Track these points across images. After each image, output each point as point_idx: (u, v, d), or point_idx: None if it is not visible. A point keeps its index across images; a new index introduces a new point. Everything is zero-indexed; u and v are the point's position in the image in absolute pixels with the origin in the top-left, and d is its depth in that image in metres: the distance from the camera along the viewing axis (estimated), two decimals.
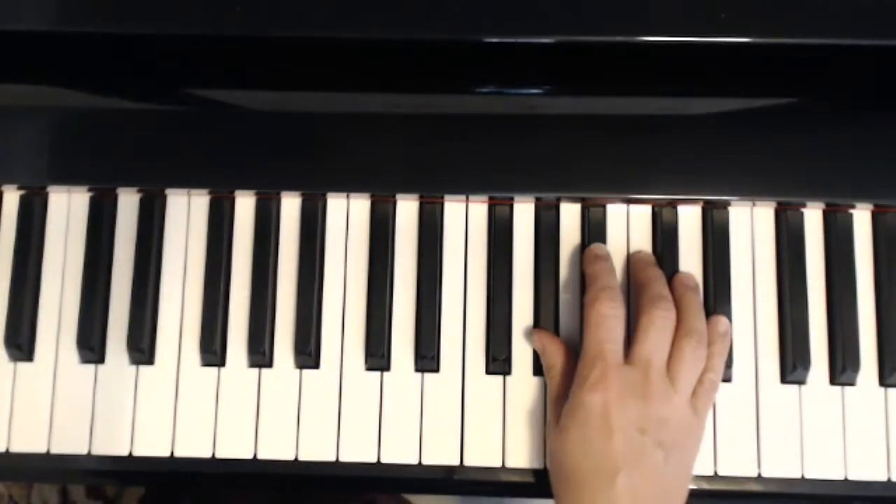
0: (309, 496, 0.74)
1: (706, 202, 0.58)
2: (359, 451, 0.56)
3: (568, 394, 0.52)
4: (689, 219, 0.58)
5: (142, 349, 0.57)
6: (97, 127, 0.57)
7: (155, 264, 0.58)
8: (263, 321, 0.57)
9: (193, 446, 0.56)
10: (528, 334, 0.57)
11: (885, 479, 0.56)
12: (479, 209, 0.59)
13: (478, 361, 0.57)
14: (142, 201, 0.59)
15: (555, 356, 0.55)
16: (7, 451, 0.57)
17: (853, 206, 0.58)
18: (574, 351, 0.55)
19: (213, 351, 0.57)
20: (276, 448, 0.56)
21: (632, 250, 0.58)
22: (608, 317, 0.52)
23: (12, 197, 0.59)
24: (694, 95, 0.57)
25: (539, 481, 0.56)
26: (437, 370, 0.57)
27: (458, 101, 0.57)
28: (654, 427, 0.50)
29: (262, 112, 0.57)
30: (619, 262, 0.58)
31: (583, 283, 0.57)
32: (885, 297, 0.57)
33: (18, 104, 0.57)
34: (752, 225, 0.58)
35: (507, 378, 0.57)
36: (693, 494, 0.55)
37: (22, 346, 0.57)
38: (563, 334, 0.57)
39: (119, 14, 0.53)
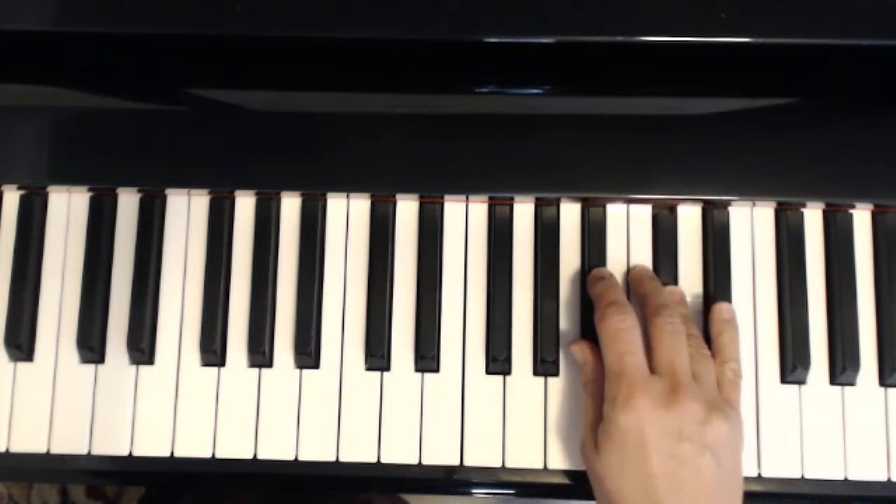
0: (309, 496, 0.74)
1: (706, 202, 0.58)
2: (359, 451, 0.56)
3: (601, 413, 0.51)
4: (689, 219, 0.58)
5: (142, 349, 0.57)
6: (97, 127, 0.57)
7: (155, 264, 0.58)
8: (263, 321, 0.57)
9: (193, 446, 0.56)
10: (529, 334, 0.57)
11: (885, 479, 0.56)
12: (479, 209, 0.59)
13: (478, 361, 0.57)
14: (142, 201, 0.59)
15: (595, 372, 0.54)
16: (7, 451, 0.57)
17: (853, 206, 0.58)
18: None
19: (213, 351, 0.57)
20: (276, 448, 0.56)
21: (632, 250, 0.58)
22: (621, 329, 0.51)
23: (12, 197, 0.59)
24: (694, 95, 0.57)
25: (538, 481, 0.56)
26: (437, 370, 0.57)
27: (458, 101, 0.57)
28: (695, 431, 0.48)
29: (261, 112, 0.57)
30: (619, 263, 0.58)
31: (583, 282, 0.57)
32: (885, 297, 0.57)
33: (18, 104, 0.57)
34: (752, 225, 0.58)
35: (507, 378, 0.57)
36: None
37: (22, 346, 0.57)
38: (562, 335, 0.57)
39: (119, 14, 0.53)
